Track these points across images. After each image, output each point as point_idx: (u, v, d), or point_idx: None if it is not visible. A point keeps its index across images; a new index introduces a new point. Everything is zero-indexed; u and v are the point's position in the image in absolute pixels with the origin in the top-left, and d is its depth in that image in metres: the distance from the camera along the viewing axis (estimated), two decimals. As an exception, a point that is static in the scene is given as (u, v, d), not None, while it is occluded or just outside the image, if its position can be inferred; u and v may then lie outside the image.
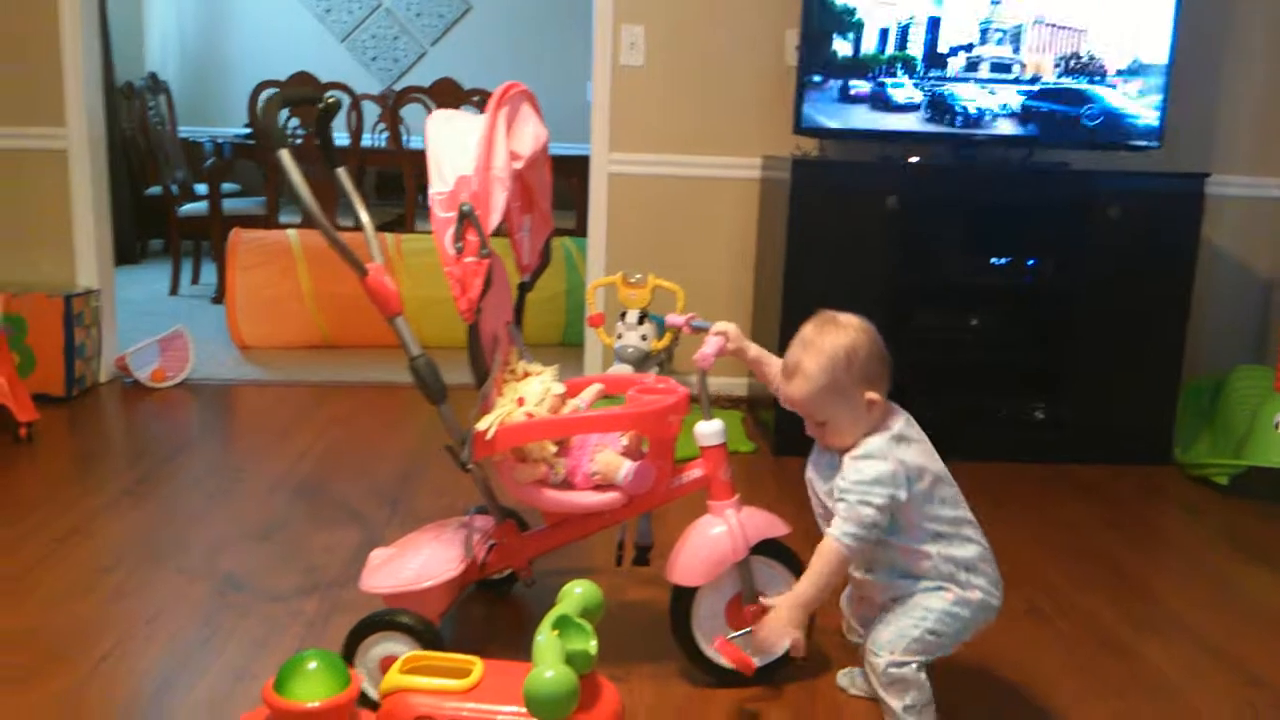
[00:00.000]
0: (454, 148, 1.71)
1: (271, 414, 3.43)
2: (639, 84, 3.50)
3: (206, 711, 1.68)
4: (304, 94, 1.90)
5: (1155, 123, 3.19)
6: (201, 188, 5.39)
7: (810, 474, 1.66)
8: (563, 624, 1.17)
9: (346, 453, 3.04)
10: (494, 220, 1.68)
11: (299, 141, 4.82)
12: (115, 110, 5.26)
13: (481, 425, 1.70)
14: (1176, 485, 3.04)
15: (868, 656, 1.58)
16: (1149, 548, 2.63)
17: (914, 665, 1.54)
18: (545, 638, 1.15)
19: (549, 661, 1.11)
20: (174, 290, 5.27)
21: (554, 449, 1.77)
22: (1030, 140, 3.22)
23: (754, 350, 1.75)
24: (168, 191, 5.24)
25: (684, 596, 1.78)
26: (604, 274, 3.53)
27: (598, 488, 1.77)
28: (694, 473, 1.79)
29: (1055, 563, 2.44)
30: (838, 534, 1.52)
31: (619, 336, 2.84)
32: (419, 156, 5.06)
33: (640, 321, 2.83)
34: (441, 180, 1.68)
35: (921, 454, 1.57)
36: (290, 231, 4.37)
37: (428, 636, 1.68)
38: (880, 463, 1.53)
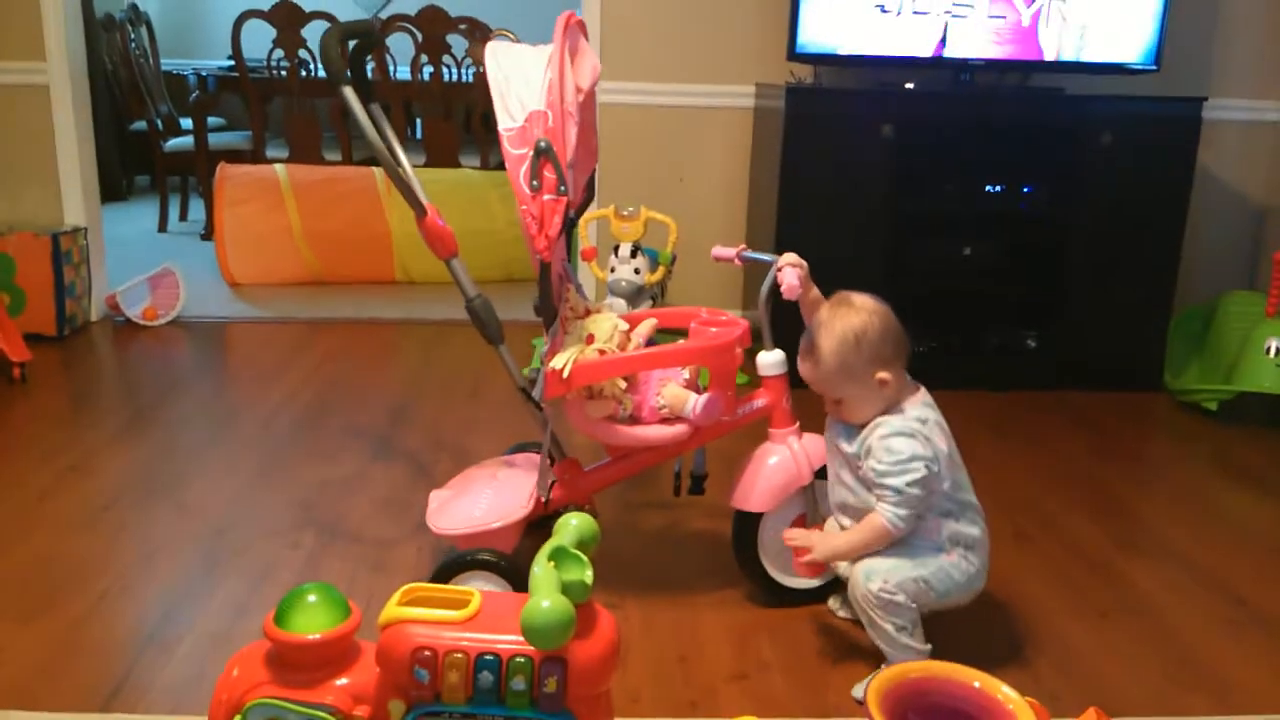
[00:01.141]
0: (518, 81, 1.68)
1: (264, 351, 3.42)
2: (629, 8, 3.43)
3: (207, 645, 1.70)
4: (363, 26, 1.88)
5: (1153, 45, 3.14)
6: (186, 122, 5.30)
7: (831, 435, 1.71)
8: (559, 555, 1.19)
9: (340, 389, 3.04)
10: (568, 156, 1.65)
11: (284, 74, 4.74)
12: (96, 43, 5.14)
13: (557, 363, 1.71)
14: (1166, 411, 3.06)
15: (854, 583, 1.61)
16: (1137, 472, 2.66)
17: (903, 597, 1.58)
18: (541, 569, 1.16)
19: (545, 592, 1.12)
20: (162, 227, 5.23)
21: (624, 385, 1.78)
22: (1026, 65, 3.17)
23: (815, 291, 1.76)
24: (152, 126, 5.16)
25: (749, 523, 1.82)
26: (595, 207, 3.50)
27: (665, 421, 1.79)
28: (757, 402, 1.83)
29: (1043, 487, 2.47)
30: (890, 516, 1.58)
31: (612, 270, 2.82)
32: (406, 88, 5.01)
33: (633, 255, 2.81)
34: (509, 116, 1.65)
35: (941, 437, 1.63)
36: (278, 166, 4.31)
37: (511, 572, 1.71)
38: (910, 439, 1.59)
